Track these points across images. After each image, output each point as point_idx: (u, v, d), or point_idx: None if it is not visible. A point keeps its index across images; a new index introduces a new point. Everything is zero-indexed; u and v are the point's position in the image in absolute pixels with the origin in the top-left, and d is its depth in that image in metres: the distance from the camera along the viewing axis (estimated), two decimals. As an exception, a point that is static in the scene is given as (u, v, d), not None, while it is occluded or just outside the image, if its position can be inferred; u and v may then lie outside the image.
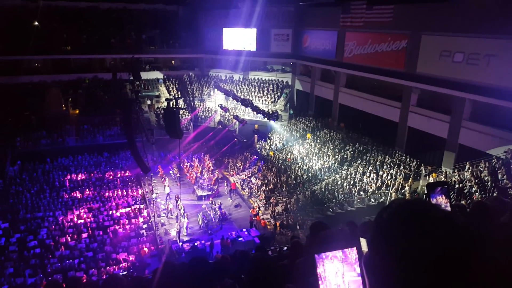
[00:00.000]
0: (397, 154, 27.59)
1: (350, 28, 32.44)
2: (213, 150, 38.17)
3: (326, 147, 31.46)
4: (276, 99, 40.83)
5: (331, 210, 24.90)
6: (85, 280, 14.74)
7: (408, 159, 26.39)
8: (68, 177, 30.70)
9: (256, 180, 30.44)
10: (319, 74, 38.76)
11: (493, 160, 21.08)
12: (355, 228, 5.26)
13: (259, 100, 40.48)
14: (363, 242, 1.47)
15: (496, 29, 20.78)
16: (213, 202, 27.34)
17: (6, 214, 24.76)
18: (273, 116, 33.96)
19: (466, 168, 22.18)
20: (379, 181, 25.05)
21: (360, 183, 25.79)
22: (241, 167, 34.17)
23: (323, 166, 29.30)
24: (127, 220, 25.20)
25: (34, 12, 40.26)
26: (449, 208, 2.81)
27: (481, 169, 21.32)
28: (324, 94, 37.49)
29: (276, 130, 37.55)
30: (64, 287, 4.76)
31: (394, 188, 23.65)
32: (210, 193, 29.43)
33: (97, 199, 27.74)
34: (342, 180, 26.84)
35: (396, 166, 25.82)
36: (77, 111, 39.33)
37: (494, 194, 18.73)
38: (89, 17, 44.79)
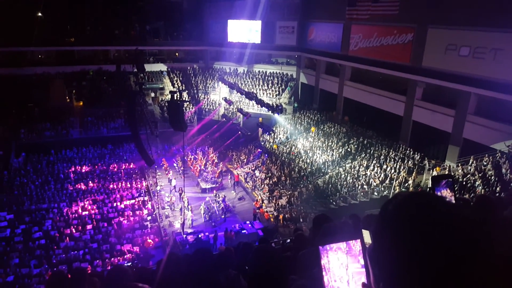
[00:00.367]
0: (401, 148, 27.52)
1: (356, 21, 32.20)
2: (217, 143, 38.19)
3: (330, 141, 31.40)
4: (281, 92, 40.71)
5: (334, 203, 24.92)
6: (89, 271, 14.89)
7: (412, 153, 26.31)
8: (73, 169, 30.85)
9: (259, 173, 30.47)
10: (324, 67, 38.58)
11: (497, 155, 20.99)
12: (358, 221, 5.27)
13: (263, 93, 40.39)
14: (366, 234, 1.48)
15: (503, 22, 20.56)
16: (217, 195, 27.43)
17: (11, 206, 24.96)
18: (278, 109, 33.88)
19: (470, 162, 22.09)
20: (383, 175, 25.02)
21: (364, 176, 25.77)
22: (245, 160, 34.20)
23: (326, 160, 29.28)
24: (131, 212, 25.34)
25: (37, 3, 40.18)
26: (453, 202, 2.81)
27: (485, 163, 21.24)
28: (329, 87, 37.34)
29: (280, 124, 37.49)
30: (69, 277, 4.80)
31: (397, 181, 23.63)
32: (214, 186, 29.51)
33: (101, 191, 27.88)
34: (346, 174, 26.83)
35: (400, 160, 25.76)
36: (81, 103, 39.45)
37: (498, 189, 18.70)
38: (93, 8, 44.66)
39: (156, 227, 24.13)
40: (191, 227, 24.05)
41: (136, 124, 22.82)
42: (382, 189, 24.29)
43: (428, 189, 2.96)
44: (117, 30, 45.35)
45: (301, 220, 23.86)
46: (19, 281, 18.11)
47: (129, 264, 19.38)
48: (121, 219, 24.43)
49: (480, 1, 22.27)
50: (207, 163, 32.87)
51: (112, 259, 20.54)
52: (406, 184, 23.29)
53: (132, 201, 26.84)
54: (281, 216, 24.49)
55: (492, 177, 19.82)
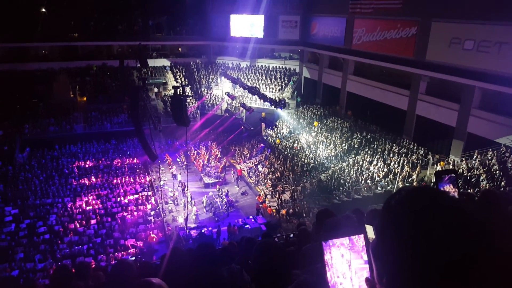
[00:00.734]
0: (405, 142, 27.44)
1: (359, 15, 32.04)
2: (220, 138, 38.22)
3: (333, 135, 31.35)
4: (284, 87, 40.63)
5: (337, 198, 24.92)
6: (93, 265, 14.99)
7: (415, 147, 26.23)
8: (76, 164, 30.98)
9: (262, 168, 30.49)
10: (327, 62, 38.45)
11: (502, 149, 20.89)
12: (361, 216, 5.26)
13: (266, 88, 40.32)
14: (369, 229, 1.47)
15: (508, 16, 20.39)
16: (220, 190, 27.48)
17: (16, 200, 25.13)
18: (280, 104, 33.83)
19: (474, 156, 22.01)
20: (386, 170, 24.98)
21: (367, 171, 25.74)
22: (248, 155, 34.23)
23: (330, 154, 29.25)
24: (135, 207, 25.45)
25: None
26: (457, 197, 2.80)
27: (490, 157, 21.15)
28: (332, 81, 37.23)
29: (283, 118, 37.45)
30: (73, 272, 4.83)
31: (401, 176, 23.58)
32: (217, 180, 29.56)
33: (105, 186, 28.01)
34: (349, 168, 26.80)
35: (403, 154, 25.69)
36: (85, 98, 39.55)
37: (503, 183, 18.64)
38: (96, 3, 44.60)
39: (159, 222, 24.24)
40: (197, 221, 24.13)
41: (139, 119, 22.84)
42: (386, 184, 24.26)
43: (432, 184, 2.95)
44: (121, 25, 45.33)
45: (304, 215, 23.89)
46: (24, 276, 18.27)
47: (132, 258, 19.49)
48: (125, 214, 24.56)
49: (485, -6, 22.10)
50: (210, 158, 32.91)
51: (116, 253, 20.67)
52: (410, 179, 23.24)
53: (136, 196, 26.96)
54: (284, 211, 24.53)
55: (497, 172, 19.74)
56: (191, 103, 39.69)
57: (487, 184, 19.14)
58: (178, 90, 22.49)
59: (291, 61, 43.43)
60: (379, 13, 29.82)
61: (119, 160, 32.38)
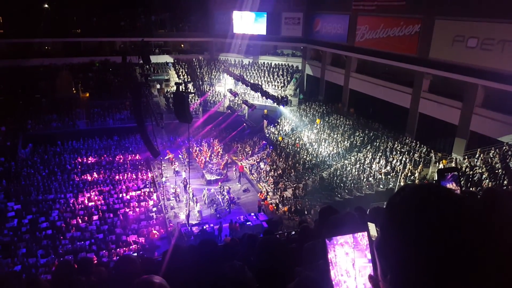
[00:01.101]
0: (407, 140, 27.39)
1: (362, 12, 31.94)
2: (222, 135, 38.23)
3: (335, 133, 31.32)
4: (286, 84, 40.58)
5: (339, 195, 24.91)
6: (95, 261, 15.03)
7: (418, 145, 26.18)
8: (79, 160, 31.07)
9: (264, 165, 30.50)
10: (330, 59, 38.37)
11: (504, 147, 20.82)
12: (363, 213, 5.26)
13: (268, 85, 40.27)
14: (372, 227, 1.47)
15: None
16: (222, 187, 27.51)
17: (18, 196, 25.23)
18: (283, 101, 33.79)
19: (477, 155, 21.95)
20: (389, 167, 24.95)
21: (369, 169, 25.71)
22: (250, 152, 34.23)
23: (332, 152, 29.23)
24: (137, 203, 25.53)
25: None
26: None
27: (492, 156, 21.09)
28: (335, 79, 37.16)
29: (286, 115, 37.42)
30: (75, 267, 4.85)
31: (403, 174, 23.55)
32: (219, 177, 29.58)
33: (107, 182, 28.09)
34: (351, 166, 26.78)
35: (406, 152, 25.65)
36: (87, 94, 39.62)
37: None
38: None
39: (161, 218, 24.30)
40: (200, 218, 24.19)
41: (142, 115, 22.89)
42: (388, 182, 24.24)
43: (434, 182, 2.95)
44: (123, 21, 45.32)
45: (306, 212, 23.90)
46: (26, 271, 18.35)
47: (135, 254, 19.55)
48: (127, 210, 24.63)
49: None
50: (212, 155, 32.93)
51: (118, 249, 20.75)
52: (412, 177, 23.21)
53: (138, 192, 27.03)
54: (285, 209, 24.55)
55: (500, 170, 19.68)
56: (193, 99, 39.67)
57: (490, 183, 19.09)
58: (181, 86, 22.46)
59: (293, 58, 43.34)
60: (382, 11, 29.71)
61: (121, 156, 32.45)
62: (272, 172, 28.96)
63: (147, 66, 39.18)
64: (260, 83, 39.54)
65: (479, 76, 22.44)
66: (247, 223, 22.47)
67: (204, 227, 21.96)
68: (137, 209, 24.82)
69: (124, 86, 39.83)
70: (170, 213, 24.95)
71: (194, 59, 46.94)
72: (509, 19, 20.52)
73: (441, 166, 22.87)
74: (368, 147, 28.18)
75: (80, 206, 24.80)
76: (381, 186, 24.30)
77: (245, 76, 40.69)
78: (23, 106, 35.10)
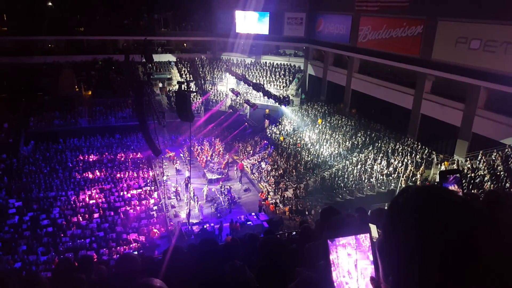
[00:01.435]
0: (409, 141, 27.34)
1: (365, 13, 31.88)
2: (224, 134, 38.23)
3: (337, 133, 31.29)
4: (288, 84, 40.56)
5: (340, 196, 24.89)
6: (95, 259, 15.06)
7: (420, 146, 26.14)
8: (80, 157, 31.12)
9: (266, 165, 30.49)
10: (332, 59, 38.34)
11: (507, 150, 20.77)
12: (364, 214, 5.25)
13: (270, 85, 40.26)
14: (373, 228, 1.46)
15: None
16: (223, 186, 27.51)
17: (20, 193, 25.28)
18: (285, 101, 33.79)
19: (479, 157, 21.90)
20: (390, 168, 24.91)
21: (371, 170, 25.68)
22: (251, 151, 34.22)
23: (333, 152, 29.20)
24: (137, 201, 25.54)
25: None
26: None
27: (494, 158, 21.05)
28: (337, 79, 37.12)
29: (287, 115, 37.40)
30: (76, 265, 4.85)
31: (405, 176, 23.51)
32: (220, 176, 29.58)
33: (108, 180, 28.11)
34: (353, 167, 26.75)
35: (407, 153, 25.61)
36: (90, 92, 39.68)
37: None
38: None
39: (162, 217, 24.31)
40: (200, 215, 24.20)
41: (143, 114, 22.88)
42: (389, 183, 24.20)
43: (436, 183, 2.94)
44: (126, 20, 45.38)
45: (306, 212, 23.89)
46: (27, 268, 18.39)
47: (135, 253, 19.57)
48: (128, 208, 24.65)
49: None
50: (214, 154, 32.93)
51: (118, 248, 20.77)
52: (414, 178, 23.17)
53: (139, 190, 27.04)
54: (286, 209, 24.54)
55: (502, 173, 19.64)
56: (195, 98, 39.70)
57: (491, 185, 19.05)
58: (183, 85, 22.49)
59: (296, 58, 43.32)
60: (385, 11, 29.67)
61: (123, 154, 32.49)
62: (273, 172, 28.95)
63: (150, 65, 39.26)
64: (262, 82, 39.53)
65: (482, 78, 22.39)
66: (248, 222, 22.47)
67: (205, 226, 21.97)
68: (138, 208, 24.83)
69: (126, 84, 39.89)
70: (171, 212, 24.97)
71: (196, 58, 46.97)
72: (513, 21, 20.48)
73: (442, 168, 22.81)
74: (370, 148, 28.14)
75: (81, 203, 24.83)
76: (383, 187, 24.27)
77: (247, 76, 40.70)
78: (26, 103, 35.17)
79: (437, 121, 26.25)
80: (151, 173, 29.95)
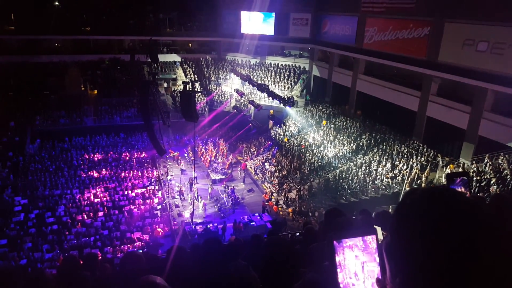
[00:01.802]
0: (414, 144, 27.21)
1: (371, 14, 31.80)
2: (228, 135, 38.27)
3: (342, 135, 31.22)
4: (293, 84, 40.52)
5: (344, 198, 24.82)
6: (100, 257, 15.10)
7: (425, 149, 26.01)
8: (86, 156, 31.27)
9: (269, 165, 30.47)
10: (338, 60, 38.25)
11: (513, 153, 20.64)
12: (369, 216, 5.23)
13: (275, 86, 40.25)
14: (378, 230, 1.46)
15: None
16: (227, 186, 27.53)
17: (25, 191, 25.44)
18: (289, 102, 33.75)
19: (485, 160, 21.75)
20: (395, 171, 24.81)
21: (375, 172, 25.59)
22: (255, 152, 34.22)
23: (337, 154, 29.13)
24: (142, 201, 25.62)
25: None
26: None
27: (500, 161, 20.91)
28: (342, 80, 37.04)
29: (292, 116, 37.37)
30: (81, 262, 4.87)
31: (410, 178, 23.40)
32: (223, 177, 29.62)
33: (113, 179, 28.22)
34: (357, 169, 26.67)
35: (413, 156, 25.50)
36: (96, 92, 39.86)
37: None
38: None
39: (166, 216, 24.37)
40: (204, 214, 24.22)
41: (148, 113, 22.96)
42: (394, 185, 24.11)
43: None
44: (132, 20, 45.58)
45: (310, 214, 23.85)
46: (32, 265, 18.49)
47: (139, 251, 19.61)
48: (132, 207, 24.73)
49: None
50: (218, 154, 32.96)
51: (122, 246, 20.83)
52: (419, 181, 23.05)
53: (143, 189, 27.13)
54: (290, 210, 24.51)
55: (508, 176, 19.50)
56: (200, 99, 39.76)
57: (498, 189, 18.93)
58: (188, 85, 22.54)
59: (301, 59, 43.28)
60: (391, 13, 29.57)
61: (127, 153, 32.60)
62: (277, 173, 28.93)
63: (155, 65, 39.34)
64: (266, 83, 39.52)
65: (489, 81, 22.22)
66: (251, 223, 22.49)
67: (208, 226, 22.01)
68: (142, 207, 24.91)
69: (132, 84, 40.05)
70: (175, 211, 25.03)
71: (201, 59, 47.05)
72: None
73: (448, 170, 22.69)
74: (375, 150, 28.04)
75: (86, 202, 24.95)
76: (387, 189, 24.17)
77: (252, 76, 40.70)
78: (32, 102, 35.40)
79: (443, 124, 26.09)
80: (155, 173, 30.04)
